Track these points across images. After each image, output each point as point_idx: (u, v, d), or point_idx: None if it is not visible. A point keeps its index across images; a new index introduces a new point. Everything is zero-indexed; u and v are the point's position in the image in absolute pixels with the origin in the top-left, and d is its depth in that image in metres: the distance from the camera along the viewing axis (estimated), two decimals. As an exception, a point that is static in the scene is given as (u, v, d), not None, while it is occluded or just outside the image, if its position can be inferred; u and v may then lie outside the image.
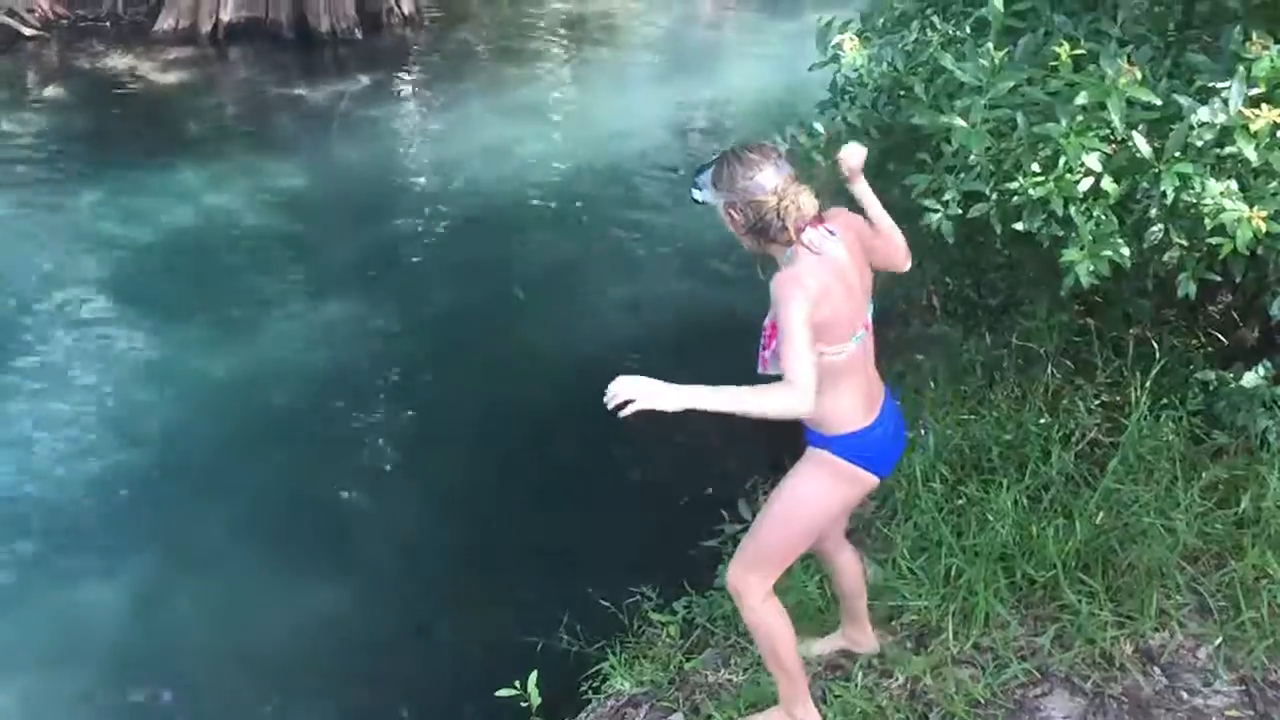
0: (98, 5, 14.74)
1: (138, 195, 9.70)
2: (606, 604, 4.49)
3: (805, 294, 2.74)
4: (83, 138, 11.22)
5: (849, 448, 2.98)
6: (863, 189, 3.10)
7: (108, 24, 14.54)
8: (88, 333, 7.64)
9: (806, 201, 2.82)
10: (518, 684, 3.73)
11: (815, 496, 3.06)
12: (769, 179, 2.80)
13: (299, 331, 7.59)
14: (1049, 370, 4.45)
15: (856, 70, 3.96)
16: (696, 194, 2.91)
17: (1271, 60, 3.20)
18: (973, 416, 4.61)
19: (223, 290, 8.19)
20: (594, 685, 4.17)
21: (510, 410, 6.60)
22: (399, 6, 14.84)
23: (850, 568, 3.50)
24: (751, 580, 3.07)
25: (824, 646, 3.75)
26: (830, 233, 2.88)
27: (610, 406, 2.61)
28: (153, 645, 5.03)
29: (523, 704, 3.69)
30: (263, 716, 4.67)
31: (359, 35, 14.18)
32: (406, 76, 13.50)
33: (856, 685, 3.58)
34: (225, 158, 10.61)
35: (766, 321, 2.88)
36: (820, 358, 2.76)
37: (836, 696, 3.54)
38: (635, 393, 2.60)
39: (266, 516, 5.80)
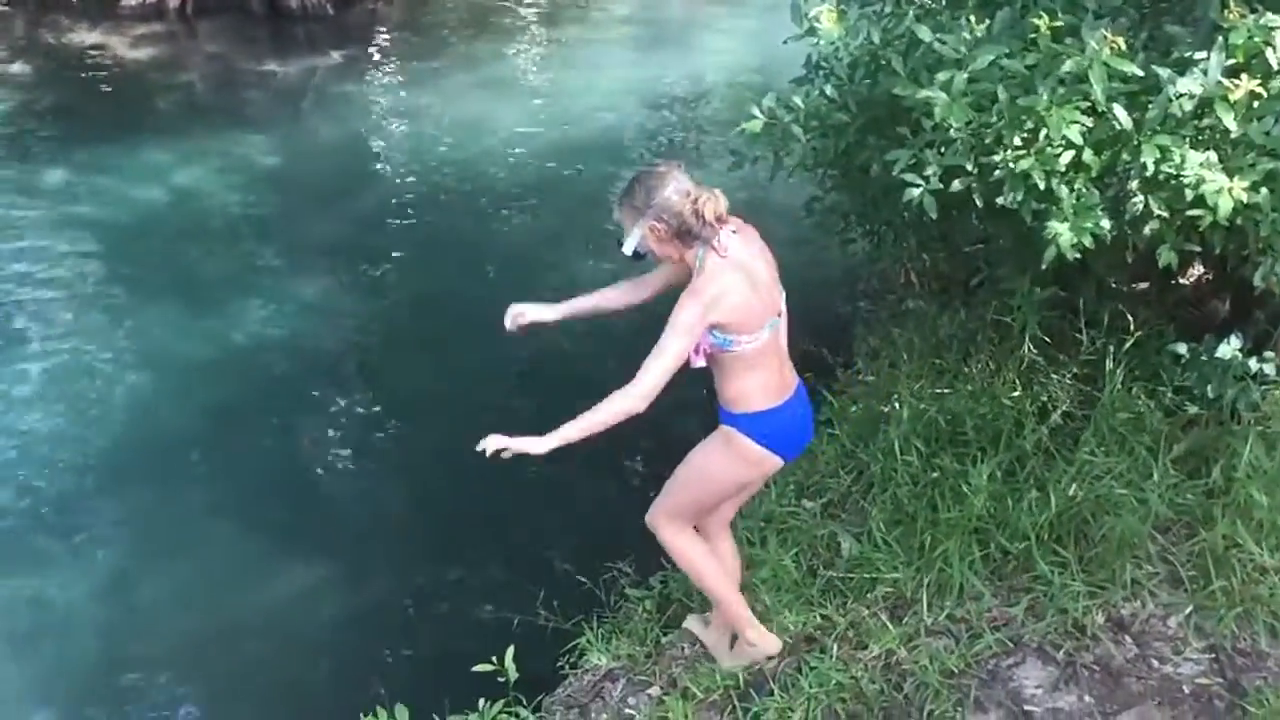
0: (64, -21, 14.50)
1: (107, 173, 9.57)
2: (583, 580, 4.49)
3: (701, 302, 2.98)
4: (50, 114, 11.05)
5: (755, 427, 3.17)
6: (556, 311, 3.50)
7: (74, -1, 14.33)
8: (55, 312, 7.54)
9: (718, 197, 3.07)
10: (495, 659, 3.72)
11: (716, 470, 3.30)
12: (681, 185, 3.06)
13: (271, 310, 7.52)
14: (1025, 345, 4.46)
15: (833, 43, 3.95)
16: (625, 247, 3.14)
17: (1249, 30, 3.20)
18: (948, 390, 4.63)
19: (193, 269, 8.09)
20: (571, 660, 4.17)
21: (484, 387, 6.57)
22: (371, -18, 14.69)
23: (726, 558, 3.64)
24: (661, 524, 3.41)
25: (694, 624, 3.91)
26: (734, 231, 3.11)
27: (486, 455, 3.02)
28: (126, 626, 4.97)
29: (500, 679, 3.68)
30: (238, 695, 4.64)
31: (330, 11, 14.02)
32: (378, 52, 13.37)
33: (831, 657, 3.61)
34: (195, 135, 10.48)
35: None
36: (736, 348, 3.05)
37: (812, 668, 3.56)
38: (506, 444, 3.01)
39: (239, 496, 5.74)
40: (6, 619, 5.00)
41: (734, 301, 3.01)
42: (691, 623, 3.92)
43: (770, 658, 3.67)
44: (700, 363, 3.15)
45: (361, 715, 3.58)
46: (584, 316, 3.57)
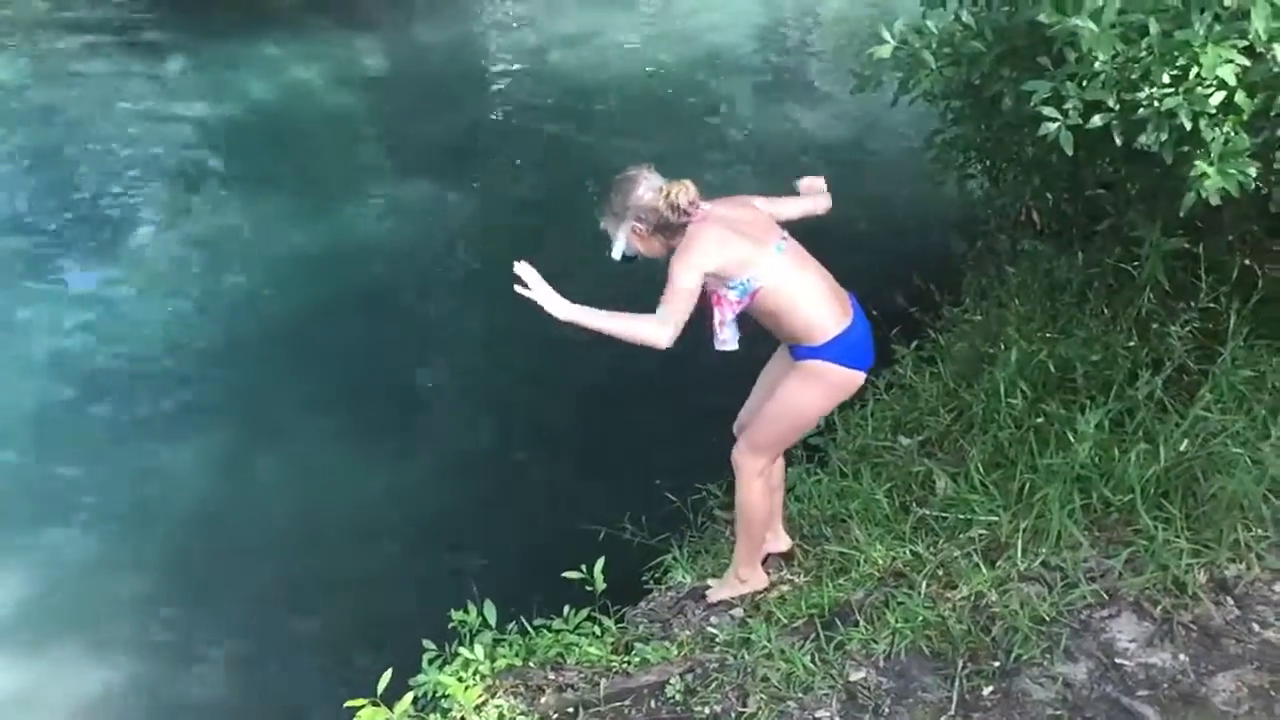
0: None
1: (224, 66, 9.74)
2: (671, 499, 4.51)
3: (691, 259, 3.15)
4: (172, 5, 11.23)
5: (838, 352, 3.28)
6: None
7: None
8: (168, 201, 7.74)
9: (689, 187, 3.24)
10: (584, 568, 3.78)
11: (808, 402, 3.40)
12: (652, 183, 3.25)
13: (377, 209, 7.63)
14: (1145, 294, 4.30)
15: (972, -33, 3.80)
16: (614, 251, 3.35)
17: None
18: (1059, 335, 4.50)
19: (301, 165, 8.24)
20: (655, 576, 4.22)
21: (583, 298, 6.57)
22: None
23: (776, 460, 3.71)
24: (749, 461, 3.51)
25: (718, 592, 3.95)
26: (700, 207, 3.27)
27: (515, 273, 3.20)
28: (225, 507, 5.18)
29: (587, 587, 3.75)
30: (327, 585, 4.79)
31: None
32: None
33: (919, 593, 3.58)
34: (311, 33, 10.59)
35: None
36: (758, 283, 3.19)
37: (899, 603, 3.54)
38: (536, 293, 3.20)
39: (334, 391, 5.90)
40: (119, 488, 5.23)
41: (719, 246, 3.18)
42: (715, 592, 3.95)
43: (758, 592, 3.82)
44: (729, 345, 3.32)
45: (452, 610, 3.68)
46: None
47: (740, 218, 3.31)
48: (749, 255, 3.20)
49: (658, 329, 3.14)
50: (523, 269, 3.22)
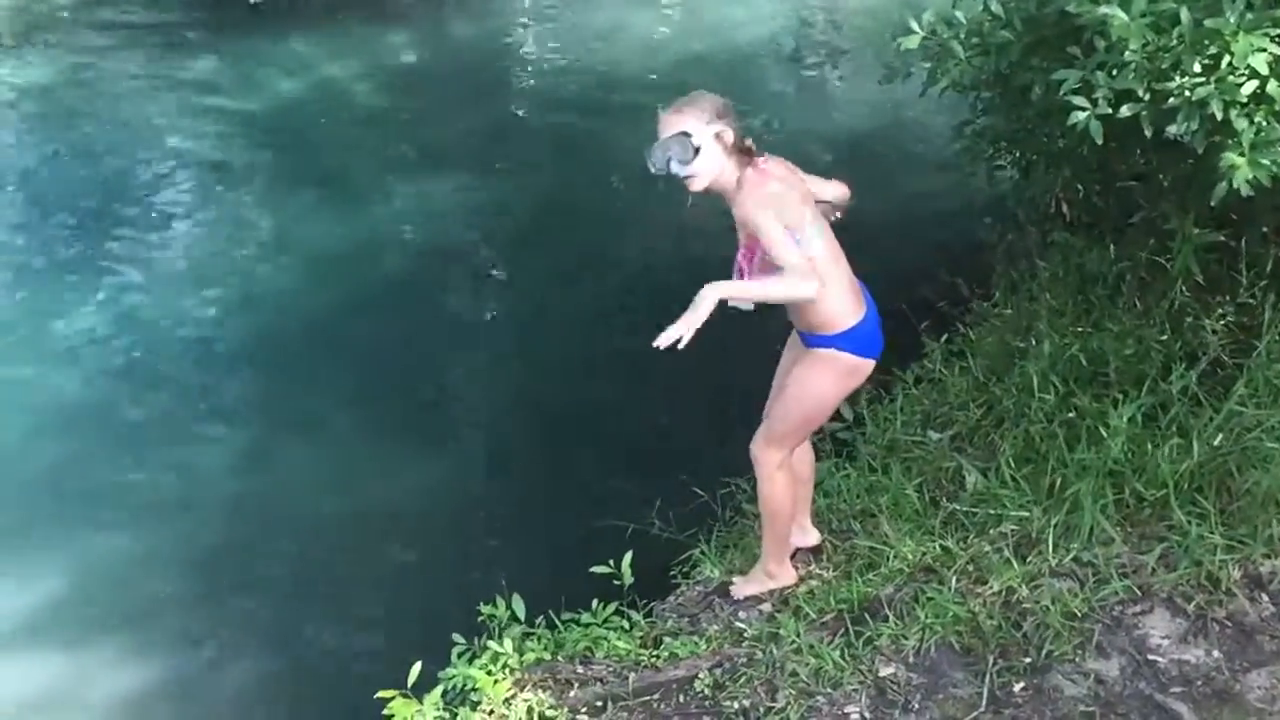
0: None
1: (253, 62, 9.80)
2: (699, 493, 4.50)
3: (769, 201, 3.10)
4: (198, 4, 11.30)
5: (852, 342, 3.29)
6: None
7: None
8: (198, 195, 7.80)
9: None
10: (611, 562, 3.78)
11: (822, 391, 3.40)
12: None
13: (406, 205, 7.65)
14: (1178, 286, 4.25)
15: (1001, -44, 3.77)
16: (683, 151, 3.17)
17: None
18: (1091, 329, 4.46)
19: (331, 162, 8.29)
20: (683, 570, 4.21)
21: (611, 294, 6.60)
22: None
23: (804, 454, 3.74)
24: (768, 453, 3.48)
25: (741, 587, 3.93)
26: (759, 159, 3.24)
27: (664, 347, 2.92)
28: (257, 504, 5.20)
29: (615, 582, 3.75)
30: (358, 578, 4.81)
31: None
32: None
33: (950, 589, 3.56)
34: (341, 29, 10.64)
35: (741, 248, 3.27)
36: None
37: (929, 599, 3.52)
38: (679, 331, 2.90)
39: (365, 387, 5.91)
40: (152, 482, 5.28)
41: (780, 199, 3.13)
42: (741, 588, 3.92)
43: (786, 588, 3.79)
44: (745, 304, 3.21)
45: (481, 604, 3.69)
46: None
47: (792, 182, 3.28)
48: (801, 220, 3.15)
49: (801, 281, 3.00)
50: (668, 337, 2.93)
